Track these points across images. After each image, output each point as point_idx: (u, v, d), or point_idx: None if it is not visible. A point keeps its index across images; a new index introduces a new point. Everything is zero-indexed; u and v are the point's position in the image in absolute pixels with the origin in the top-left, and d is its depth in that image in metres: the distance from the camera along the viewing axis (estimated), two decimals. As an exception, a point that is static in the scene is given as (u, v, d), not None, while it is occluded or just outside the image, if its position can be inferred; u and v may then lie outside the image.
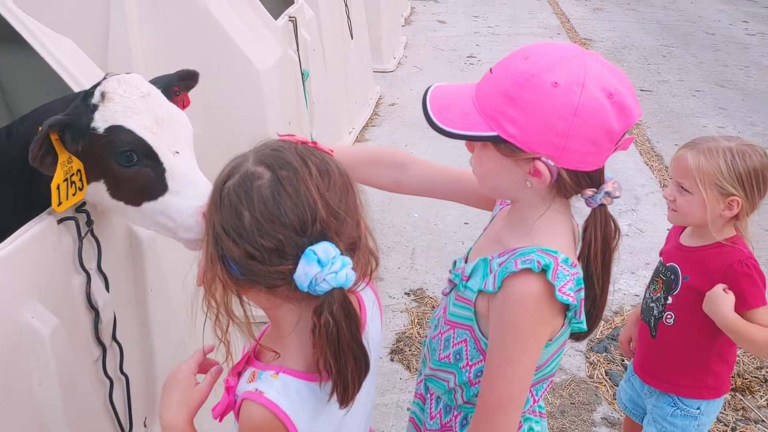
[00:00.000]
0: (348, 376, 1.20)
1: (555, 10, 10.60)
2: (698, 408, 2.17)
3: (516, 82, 1.27)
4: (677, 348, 2.14)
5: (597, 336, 3.50)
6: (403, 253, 4.23)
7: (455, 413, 1.56)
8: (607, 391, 3.13)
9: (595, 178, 1.35)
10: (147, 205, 1.69)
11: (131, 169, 1.66)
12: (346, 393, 1.21)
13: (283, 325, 1.27)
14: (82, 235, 1.77)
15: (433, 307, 3.70)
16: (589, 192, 1.35)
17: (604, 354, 3.37)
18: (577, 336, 1.43)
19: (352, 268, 1.17)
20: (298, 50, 4.04)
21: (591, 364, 3.32)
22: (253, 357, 1.31)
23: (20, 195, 1.75)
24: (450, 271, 1.54)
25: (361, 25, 6.23)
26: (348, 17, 5.75)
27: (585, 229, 1.39)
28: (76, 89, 2.00)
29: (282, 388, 1.22)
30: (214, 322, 1.25)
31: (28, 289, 1.60)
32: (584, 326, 1.37)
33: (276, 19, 3.80)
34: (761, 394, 3.15)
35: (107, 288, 1.85)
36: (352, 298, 1.30)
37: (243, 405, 1.23)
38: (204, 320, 1.27)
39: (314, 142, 1.28)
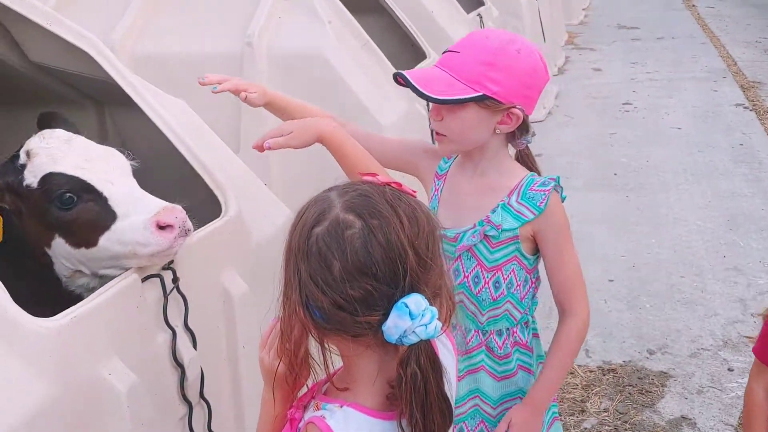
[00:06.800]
0: (435, 431, 1.19)
1: (721, 53, 9.96)
2: None
3: (491, 52, 1.73)
4: None
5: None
6: (537, 312, 3.98)
7: (514, 329, 1.89)
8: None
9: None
10: (103, 239, 1.70)
11: (75, 210, 1.69)
12: None
13: (360, 371, 1.26)
14: (167, 292, 1.78)
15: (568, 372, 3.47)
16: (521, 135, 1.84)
17: None
18: None
19: (438, 318, 1.18)
20: (428, 105, 4.01)
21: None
22: (321, 393, 1.30)
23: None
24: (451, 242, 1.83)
25: (506, 76, 6.14)
26: (490, 69, 5.68)
27: (520, 160, 1.88)
28: (181, 148, 2.06)
29: (343, 420, 1.21)
30: (287, 366, 1.26)
31: (108, 346, 1.61)
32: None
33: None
34: None
35: (194, 345, 1.85)
36: None
37: (307, 428, 1.23)
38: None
39: (398, 183, 1.27)
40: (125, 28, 3.39)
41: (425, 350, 1.17)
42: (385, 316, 1.16)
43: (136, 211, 1.70)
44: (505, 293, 1.84)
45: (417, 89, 1.73)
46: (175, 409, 1.81)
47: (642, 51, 10.23)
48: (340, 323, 1.17)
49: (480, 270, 1.83)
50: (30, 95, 2.40)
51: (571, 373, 3.43)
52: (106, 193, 1.72)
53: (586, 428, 3.09)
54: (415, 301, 1.15)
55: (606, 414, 3.16)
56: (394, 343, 1.16)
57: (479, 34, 1.82)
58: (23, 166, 1.75)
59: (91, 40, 2.04)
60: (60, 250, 1.79)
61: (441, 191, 1.93)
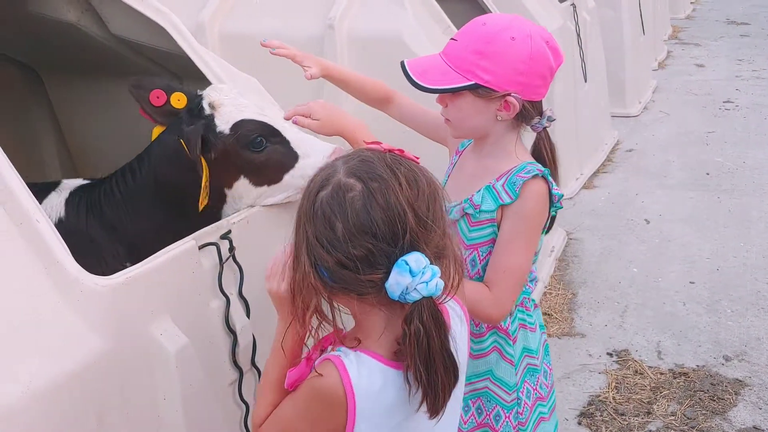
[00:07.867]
0: (439, 385, 1.24)
1: (839, 51, 9.44)
2: None
3: (483, 40, 1.72)
4: None
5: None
6: (613, 309, 3.92)
7: None
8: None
9: (539, 107, 1.81)
10: (287, 176, 1.93)
11: (265, 152, 1.90)
12: (436, 402, 1.25)
13: (369, 328, 1.32)
14: (223, 260, 1.83)
15: (637, 372, 3.38)
16: (536, 118, 1.80)
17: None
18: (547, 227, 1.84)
19: (440, 277, 1.24)
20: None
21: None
22: (337, 341, 1.36)
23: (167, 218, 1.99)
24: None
25: (599, 68, 5.99)
26: (582, 60, 5.55)
27: (536, 146, 1.86)
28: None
29: (356, 361, 1.28)
30: (301, 324, 1.34)
31: (161, 307, 1.67)
32: (560, 205, 1.82)
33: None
34: None
35: (248, 314, 1.90)
36: None
37: (321, 362, 1.30)
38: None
39: (401, 150, 1.33)
40: (214, 7, 3.50)
41: (428, 307, 1.22)
42: (387, 274, 1.22)
43: (314, 151, 1.94)
44: (481, 273, 1.83)
45: (411, 78, 1.76)
46: (225, 373, 1.86)
47: (750, 48, 9.79)
48: (345, 281, 1.24)
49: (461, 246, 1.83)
50: (115, 68, 2.51)
51: (640, 373, 3.35)
52: (288, 136, 1.94)
53: (650, 430, 3.00)
54: (415, 258, 1.21)
55: (673, 418, 3.06)
56: (397, 299, 1.22)
57: (477, 21, 1.79)
58: (211, 116, 1.92)
59: (168, 15, 2.11)
60: (241, 189, 1.98)
61: (453, 167, 2.00)
